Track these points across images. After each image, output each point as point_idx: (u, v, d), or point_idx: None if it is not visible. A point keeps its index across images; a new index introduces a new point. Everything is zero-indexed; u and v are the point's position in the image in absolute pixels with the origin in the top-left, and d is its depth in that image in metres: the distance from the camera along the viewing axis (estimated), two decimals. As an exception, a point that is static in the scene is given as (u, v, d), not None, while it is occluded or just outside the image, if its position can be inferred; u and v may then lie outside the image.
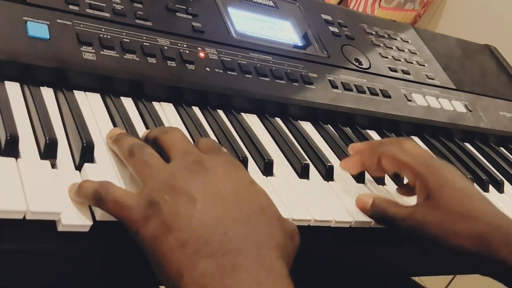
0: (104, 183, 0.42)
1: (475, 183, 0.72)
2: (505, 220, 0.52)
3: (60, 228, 0.41)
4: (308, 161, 0.61)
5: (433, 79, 0.89)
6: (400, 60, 0.88)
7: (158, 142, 0.47)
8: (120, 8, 0.64)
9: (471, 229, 0.50)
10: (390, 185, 0.64)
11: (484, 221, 0.51)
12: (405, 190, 0.62)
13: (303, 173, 0.59)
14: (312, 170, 0.61)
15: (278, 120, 0.68)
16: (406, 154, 0.56)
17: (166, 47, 0.63)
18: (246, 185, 0.43)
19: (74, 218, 0.41)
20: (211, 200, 0.40)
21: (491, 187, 0.74)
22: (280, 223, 0.42)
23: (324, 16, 0.86)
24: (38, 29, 0.56)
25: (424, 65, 0.91)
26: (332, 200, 0.57)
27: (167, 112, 0.60)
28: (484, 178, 0.73)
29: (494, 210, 0.53)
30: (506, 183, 0.76)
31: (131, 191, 0.42)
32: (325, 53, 0.79)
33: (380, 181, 0.64)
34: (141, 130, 0.54)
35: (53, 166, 0.45)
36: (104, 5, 0.63)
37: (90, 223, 0.42)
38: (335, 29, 0.85)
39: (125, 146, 0.46)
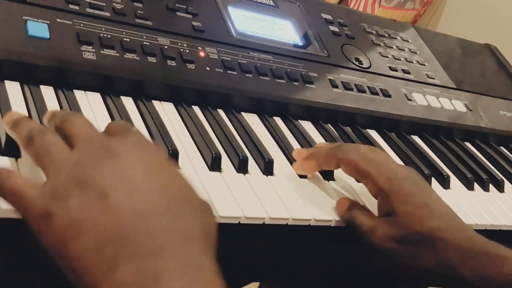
0: (3, 169, 0.37)
1: (475, 183, 0.72)
2: (466, 234, 0.51)
3: None
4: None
5: (434, 78, 0.89)
6: (400, 60, 0.88)
7: (60, 131, 0.41)
8: (120, 8, 0.64)
9: (432, 249, 0.50)
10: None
11: (445, 240, 0.50)
12: None
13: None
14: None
15: (279, 119, 0.68)
16: (368, 163, 0.54)
17: (166, 47, 0.63)
18: (161, 166, 0.37)
19: None
20: (124, 191, 0.34)
21: (491, 187, 0.73)
22: (201, 207, 0.37)
23: (324, 16, 0.86)
24: (38, 28, 0.56)
25: (424, 65, 0.90)
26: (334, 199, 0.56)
27: (167, 112, 0.60)
28: (484, 177, 0.73)
29: (456, 224, 0.52)
30: (507, 183, 0.76)
31: (36, 181, 0.37)
32: (325, 52, 0.79)
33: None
34: (141, 129, 0.54)
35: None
36: (104, 4, 0.63)
37: None
38: (335, 29, 0.85)
39: (23, 131, 0.40)
